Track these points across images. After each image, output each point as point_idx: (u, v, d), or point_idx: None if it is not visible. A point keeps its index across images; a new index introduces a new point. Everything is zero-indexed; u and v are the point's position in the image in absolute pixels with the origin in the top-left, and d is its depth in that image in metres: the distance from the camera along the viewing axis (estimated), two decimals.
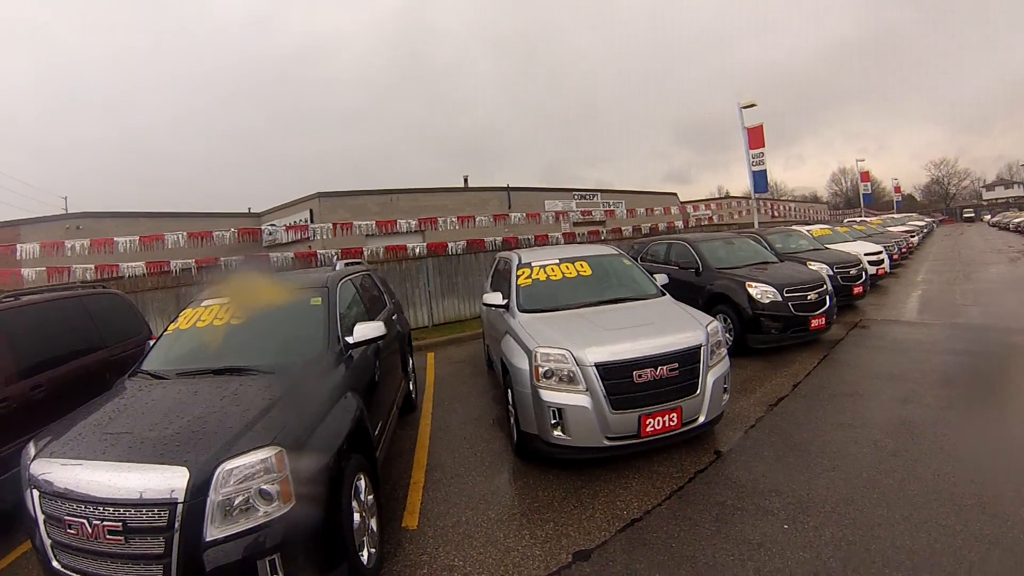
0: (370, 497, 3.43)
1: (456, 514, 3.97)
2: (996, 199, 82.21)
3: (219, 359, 3.80)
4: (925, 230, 34.16)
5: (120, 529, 2.48)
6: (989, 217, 61.71)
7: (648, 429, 4.16)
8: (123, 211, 23.39)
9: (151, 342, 4.44)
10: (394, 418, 5.07)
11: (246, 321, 4.18)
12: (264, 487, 2.56)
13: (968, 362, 6.65)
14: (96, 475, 2.59)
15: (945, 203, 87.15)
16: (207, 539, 2.45)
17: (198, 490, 2.48)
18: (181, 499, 2.46)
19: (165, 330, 4.43)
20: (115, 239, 12.21)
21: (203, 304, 4.47)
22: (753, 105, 17.85)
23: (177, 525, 2.45)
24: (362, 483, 3.31)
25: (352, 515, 3.04)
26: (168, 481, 2.49)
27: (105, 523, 2.50)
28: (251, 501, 2.54)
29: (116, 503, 2.51)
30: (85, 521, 2.53)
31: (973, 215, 77.37)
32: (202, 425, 2.83)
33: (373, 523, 3.42)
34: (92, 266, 11.44)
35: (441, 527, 3.82)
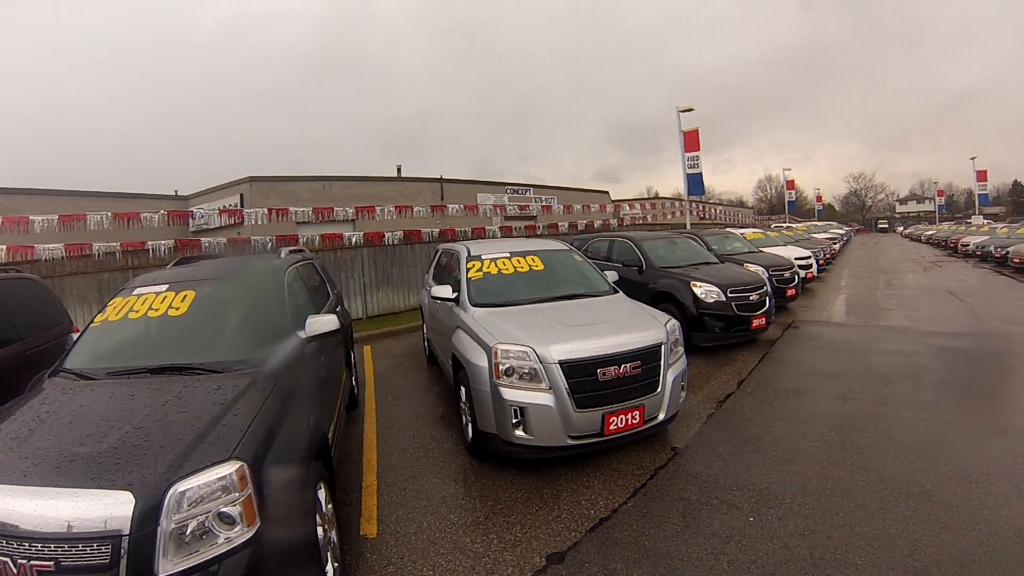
0: (329, 507, 3.09)
1: (417, 519, 3.79)
2: (908, 212, 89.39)
3: (157, 356, 3.34)
4: (844, 238, 36.16)
5: (52, 569, 2.02)
6: (902, 229, 66.54)
7: (612, 427, 4.12)
8: (39, 188, 21.11)
9: (74, 335, 3.93)
10: (342, 417, 4.78)
11: (187, 313, 3.70)
12: (224, 509, 2.19)
13: (897, 361, 7.03)
14: (16, 503, 2.10)
15: (862, 214, 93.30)
16: (160, 575, 2.07)
17: (146, 518, 2.07)
18: (126, 530, 2.05)
19: (91, 322, 3.86)
20: (30, 218, 11.14)
21: (135, 292, 3.94)
22: (691, 109, 18.32)
23: (123, 562, 2.03)
24: (322, 493, 2.98)
25: (316, 529, 2.72)
26: (109, 509, 2.07)
27: (32, 563, 2.02)
28: (210, 526, 2.17)
29: (45, 538, 2.04)
30: (8, 560, 2.04)
31: (887, 226, 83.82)
32: (144, 437, 2.41)
33: (334, 534, 3.11)
34: (3, 247, 10.37)
35: (403, 534, 3.62)
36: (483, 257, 5.95)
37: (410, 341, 10.00)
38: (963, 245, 26.05)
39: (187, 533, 2.13)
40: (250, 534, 2.22)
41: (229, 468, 2.25)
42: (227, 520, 2.19)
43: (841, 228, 41.90)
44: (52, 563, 2.02)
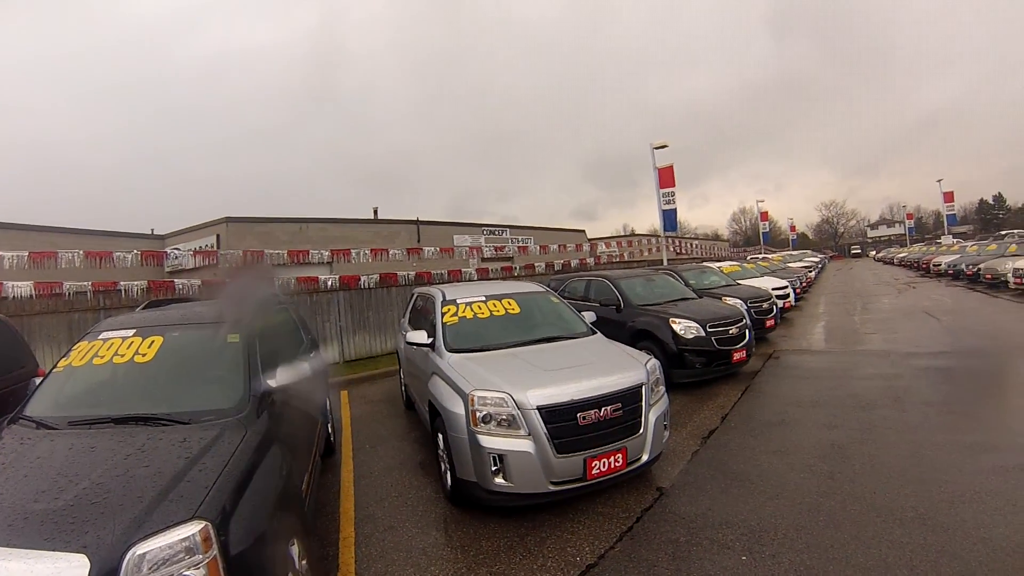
0: (303, 563, 2.94)
1: (396, 573, 3.62)
2: (880, 236, 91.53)
3: (121, 405, 3.25)
4: (819, 266, 36.77)
5: None
6: (875, 253, 67.85)
7: (594, 471, 4.03)
8: (9, 222, 20.25)
9: (38, 379, 3.77)
10: (317, 466, 4.60)
11: (154, 360, 3.58)
12: (187, 573, 2.08)
13: (879, 385, 7.07)
14: None
15: (835, 241, 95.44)
16: None
17: None
18: None
19: (55, 366, 3.72)
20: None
21: (101, 336, 3.81)
22: (665, 146, 18.61)
23: None
24: (295, 548, 2.84)
25: None
26: (62, 573, 1.96)
27: None
28: None
29: None
30: None
31: (860, 251, 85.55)
32: (103, 494, 2.30)
33: None
34: None
35: None
36: (458, 301, 5.88)
37: (387, 385, 9.83)
38: (935, 265, 26.72)
39: None
40: None
41: (192, 528, 2.14)
42: None
43: (815, 256, 42.72)
44: None
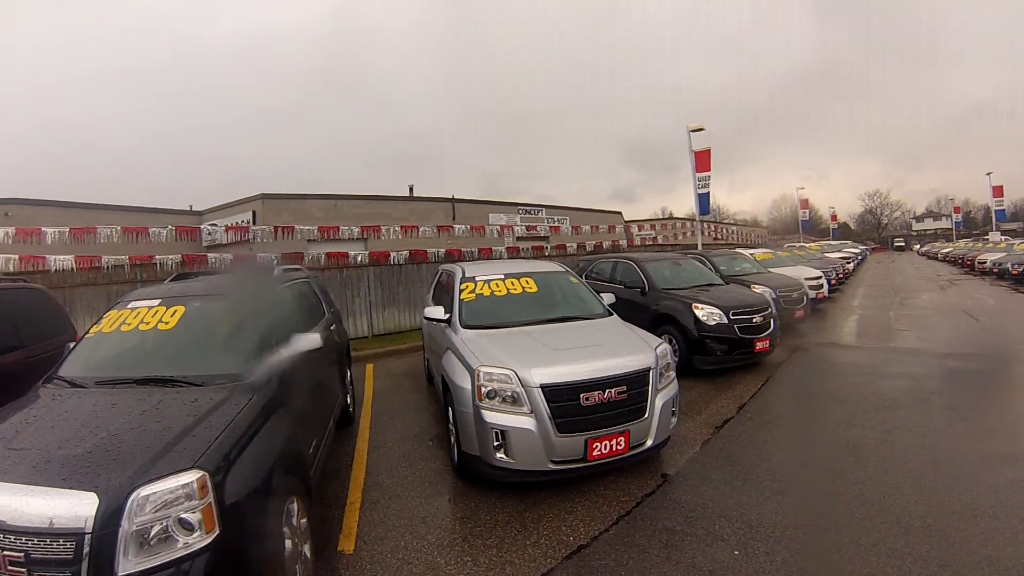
0: (303, 521, 3.17)
1: (395, 538, 3.77)
2: (925, 230, 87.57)
3: (143, 367, 3.52)
4: (859, 257, 35.73)
5: (22, 560, 2.18)
6: (919, 247, 65.32)
7: (595, 453, 4.06)
8: (56, 200, 21.58)
9: (71, 345, 4.05)
10: (331, 434, 4.81)
11: (176, 327, 3.84)
12: (184, 516, 2.30)
13: (907, 386, 6.85)
14: None
15: (878, 232, 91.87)
16: (119, 574, 2.18)
17: (109, 519, 2.20)
18: (89, 528, 2.18)
19: (86, 332, 4.05)
20: (43, 229, 11.37)
21: (130, 306, 4.10)
22: (701, 129, 18.31)
23: (85, 558, 2.17)
24: (295, 507, 3.06)
25: (283, 542, 2.80)
26: (75, 508, 2.21)
27: (6, 553, 2.20)
28: (170, 531, 2.28)
29: (16, 531, 2.21)
30: None
31: (903, 244, 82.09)
32: (117, 444, 2.56)
33: (307, 548, 3.18)
34: (15, 256, 10.62)
35: (379, 552, 3.61)
36: (477, 279, 5.94)
37: (412, 360, 9.99)
38: (980, 262, 25.57)
39: (149, 535, 2.25)
40: (208, 540, 2.32)
41: (191, 477, 2.36)
42: (186, 526, 2.30)
43: (856, 247, 41.41)
44: (22, 554, 2.18)
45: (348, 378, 6.58)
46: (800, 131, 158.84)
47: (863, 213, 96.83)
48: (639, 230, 32.96)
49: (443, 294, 6.55)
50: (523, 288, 5.84)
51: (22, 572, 2.19)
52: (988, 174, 48.55)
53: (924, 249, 56.67)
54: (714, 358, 7.70)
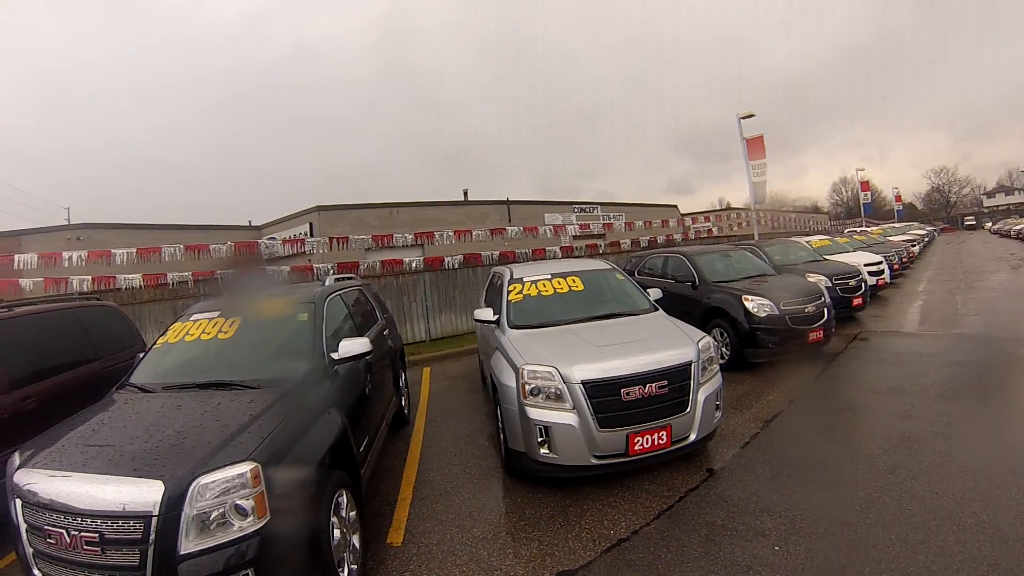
0: (352, 513, 3.42)
1: (441, 531, 3.94)
2: (997, 206, 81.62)
3: (205, 373, 3.84)
4: (926, 239, 34.08)
5: (97, 540, 2.51)
6: (990, 224, 61.55)
7: (636, 447, 4.10)
8: (123, 222, 23.38)
9: (141, 355, 4.45)
10: (383, 434, 5.04)
11: (234, 336, 4.20)
12: (239, 502, 2.58)
13: (970, 374, 6.55)
14: (76, 486, 2.63)
15: (946, 211, 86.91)
16: (181, 552, 2.47)
17: (173, 503, 2.50)
18: (156, 512, 2.48)
19: (154, 343, 4.45)
20: (112, 251, 12.19)
21: (192, 318, 4.50)
22: (751, 116, 17.84)
23: (152, 538, 2.47)
24: (344, 499, 3.31)
25: (332, 531, 3.03)
26: (144, 494, 2.52)
27: (83, 534, 2.53)
28: (226, 516, 2.56)
29: (94, 514, 2.54)
30: (64, 531, 2.58)
31: (975, 223, 77.27)
32: (181, 439, 2.86)
33: (356, 539, 3.42)
34: (89, 277, 11.40)
35: (425, 544, 3.78)
36: (524, 279, 6.07)
37: (469, 362, 10.13)
38: None
39: (208, 519, 2.54)
40: (260, 525, 2.61)
41: (245, 467, 2.63)
42: (241, 511, 2.59)
43: (922, 228, 39.43)
44: (98, 535, 2.53)
45: (403, 381, 6.83)
46: (858, 110, 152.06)
47: (930, 192, 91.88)
48: (694, 223, 32.36)
49: (494, 296, 6.69)
50: (569, 287, 5.93)
51: (96, 551, 2.52)
52: None
53: (996, 227, 53.26)
54: (766, 350, 7.54)
